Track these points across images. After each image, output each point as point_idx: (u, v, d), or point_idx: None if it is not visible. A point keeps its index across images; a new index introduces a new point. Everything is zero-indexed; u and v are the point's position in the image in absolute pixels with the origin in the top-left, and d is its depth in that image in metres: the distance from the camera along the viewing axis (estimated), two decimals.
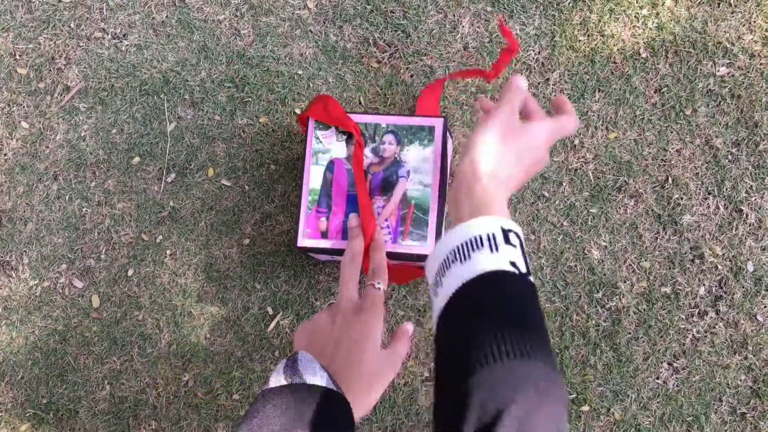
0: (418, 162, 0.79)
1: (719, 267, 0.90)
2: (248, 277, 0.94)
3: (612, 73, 0.96)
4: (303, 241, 0.80)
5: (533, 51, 0.97)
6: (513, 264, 0.51)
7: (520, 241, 0.54)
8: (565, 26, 0.97)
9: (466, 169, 0.59)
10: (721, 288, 0.90)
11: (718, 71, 0.95)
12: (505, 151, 0.59)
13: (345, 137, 0.81)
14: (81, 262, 0.96)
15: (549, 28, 0.97)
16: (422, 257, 0.77)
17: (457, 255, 0.53)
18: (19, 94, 1.01)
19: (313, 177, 0.81)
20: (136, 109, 0.99)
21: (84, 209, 0.97)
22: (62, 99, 1.00)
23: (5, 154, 0.99)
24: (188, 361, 0.92)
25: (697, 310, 0.90)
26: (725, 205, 0.92)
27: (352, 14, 0.99)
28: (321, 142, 0.82)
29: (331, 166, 0.81)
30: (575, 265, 0.91)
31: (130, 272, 0.95)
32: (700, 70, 0.95)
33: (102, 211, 0.97)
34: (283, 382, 0.56)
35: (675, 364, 0.88)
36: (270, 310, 0.93)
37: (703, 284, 0.90)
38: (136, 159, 0.98)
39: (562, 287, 0.91)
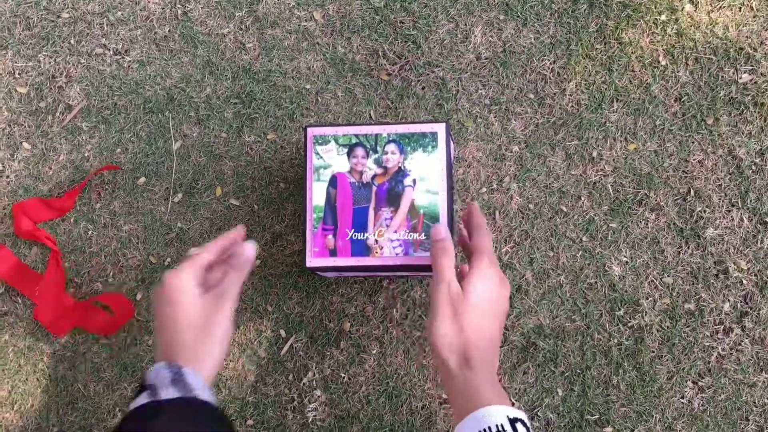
0: (424, 169, 0.78)
1: (744, 282, 0.88)
2: (260, 299, 0.92)
3: (630, 81, 0.93)
4: (312, 261, 0.78)
5: (548, 60, 0.94)
6: None
7: (527, 429, 0.58)
8: (581, 34, 0.94)
9: (445, 356, 0.62)
10: (747, 303, 0.87)
11: (741, 78, 0.91)
12: (479, 332, 0.62)
13: (345, 150, 0.79)
14: (88, 286, 0.94)
15: (564, 36, 0.94)
16: None
17: None
18: (19, 114, 0.98)
19: (316, 194, 0.79)
20: (140, 128, 0.97)
21: (90, 232, 0.95)
22: (64, 118, 0.97)
23: (8, 176, 0.97)
24: None
25: (722, 327, 0.87)
26: (749, 217, 0.89)
27: (360, 25, 0.96)
28: (321, 157, 0.80)
29: (333, 181, 0.79)
30: (595, 282, 0.89)
31: (139, 296, 0.93)
32: (722, 77, 0.92)
33: (108, 234, 0.95)
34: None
35: (700, 383, 0.86)
36: (283, 333, 0.91)
37: (728, 300, 0.88)
38: (142, 179, 0.95)
39: (582, 305, 0.88)
